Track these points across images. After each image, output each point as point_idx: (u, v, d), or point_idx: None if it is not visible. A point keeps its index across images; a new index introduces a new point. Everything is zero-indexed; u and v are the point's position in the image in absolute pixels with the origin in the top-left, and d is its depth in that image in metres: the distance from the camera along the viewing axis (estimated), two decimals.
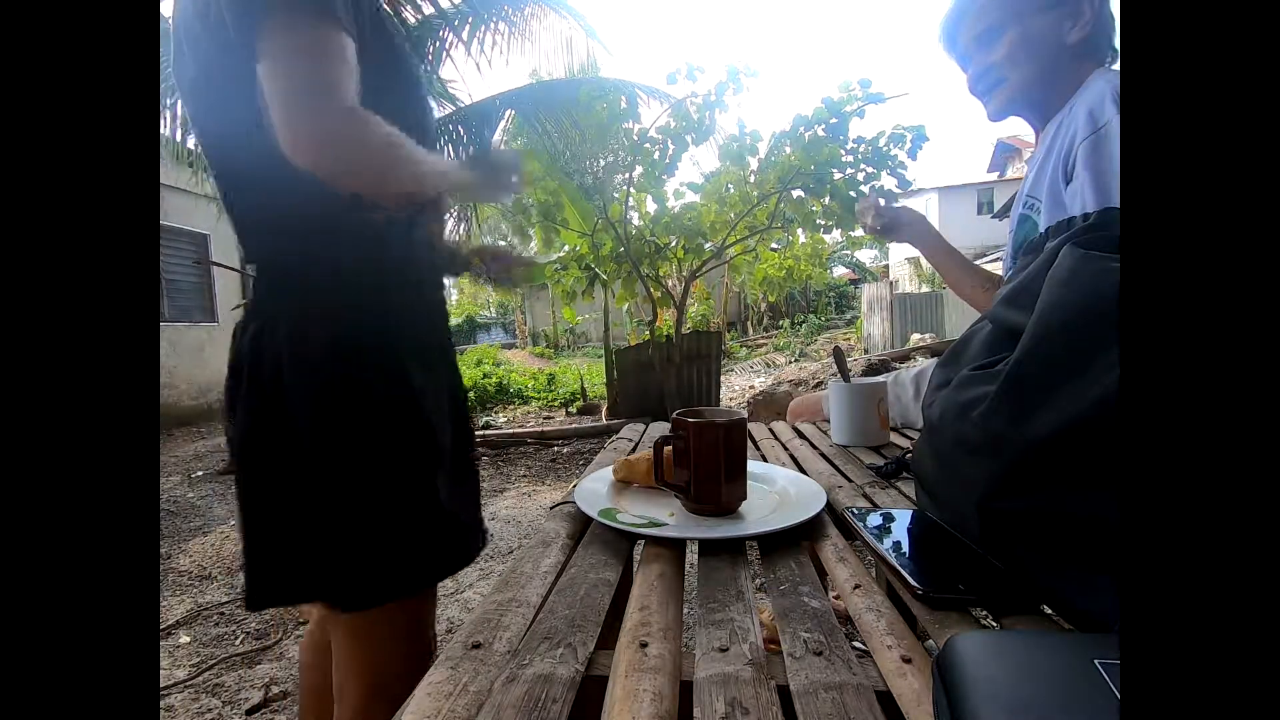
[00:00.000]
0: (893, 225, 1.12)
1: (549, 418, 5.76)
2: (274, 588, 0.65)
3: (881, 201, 1.14)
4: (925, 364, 1.25)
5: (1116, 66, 0.83)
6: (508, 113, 4.68)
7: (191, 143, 3.86)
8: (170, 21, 0.63)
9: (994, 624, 0.41)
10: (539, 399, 6.68)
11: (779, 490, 0.69)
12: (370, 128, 0.55)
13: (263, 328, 0.64)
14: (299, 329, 0.63)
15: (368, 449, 0.64)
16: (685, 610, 0.45)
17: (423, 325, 0.73)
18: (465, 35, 4.18)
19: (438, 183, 0.64)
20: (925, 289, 14.11)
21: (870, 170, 3.93)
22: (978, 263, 1.13)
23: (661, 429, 0.82)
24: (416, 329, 0.72)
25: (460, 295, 20.79)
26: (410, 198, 0.62)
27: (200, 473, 3.98)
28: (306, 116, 0.52)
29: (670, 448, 0.63)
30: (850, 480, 0.77)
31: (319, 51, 0.53)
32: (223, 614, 1.96)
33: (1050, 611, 0.42)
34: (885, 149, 3.85)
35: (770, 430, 1.18)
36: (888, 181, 3.93)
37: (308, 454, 0.62)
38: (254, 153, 0.58)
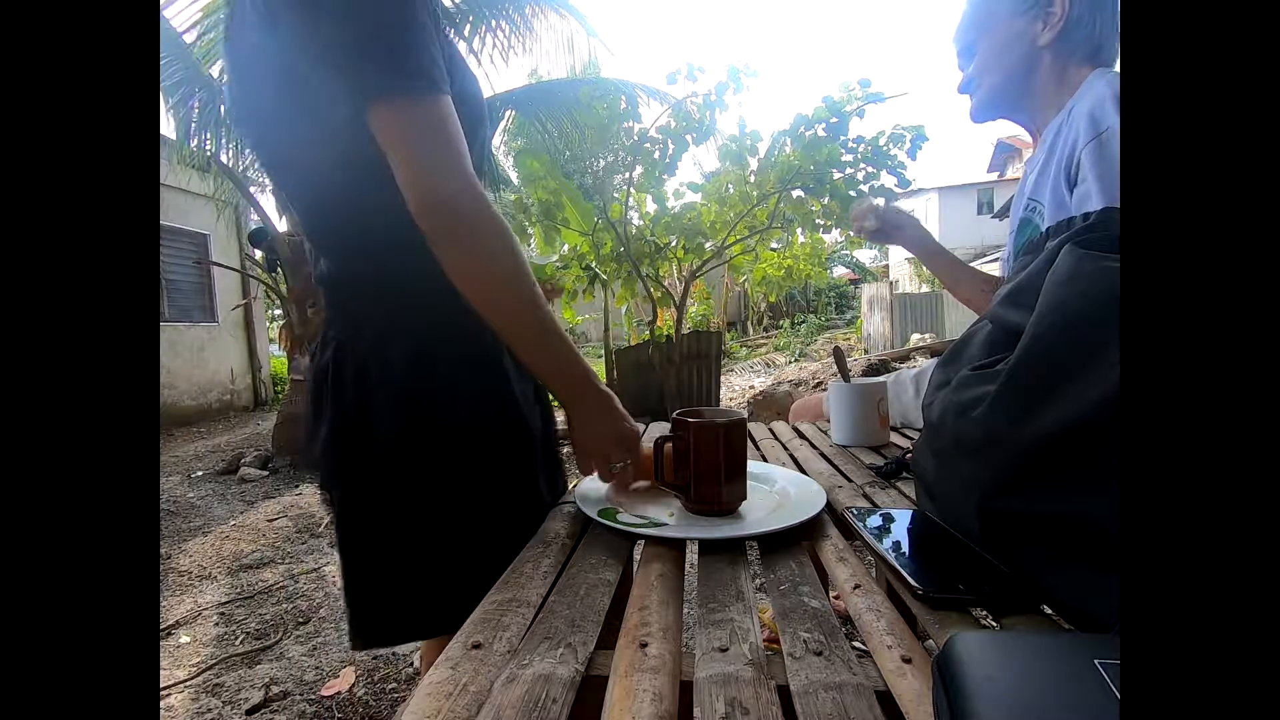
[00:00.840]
0: (889, 229, 1.12)
1: None
2: (392, 623, 0.65)
3: (880, 202, 1.14)
4: (925, 364, 1.25)
5: (1117, 68, 0.84)
6: (508, 113, 4.68)
7: (193, 143, 3.86)
8: (229, 38, 0.63)
9: (994, 624, 0.41)
10: None
11: (779, 490, 0.69)
12: (499, 220, 0.57)
13: (359, 343, 0.64)
14: (401, 344, 0.63)
15: (477, 461, 0.64)
16: (685, 610, 0.45)
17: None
18: (466, 34, 4.18)
19: (555, 344, 0.61)
20: (925, 289, 14.10)
21: (870, 170, 3.94)
22: (976, 263, 1.14)
23: (661, 429, 0.81)
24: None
25: None
26: (515, 323, 0.59)
27: (200, 473, 3.98)
28: (441, 193, 0.54)
29: (670, 447, 0.63)
30: (850, 480, 0.77)
31: (444, 129, 0.54)
32: (223, 614, 1.96)
33: (1050, 611, 0.42)
34: (885, 149, 3.86)
35: (770, 430, 1.18)
36: (887, 181, 3.94)
37: (413, 477, 0.62)
38: (341, 179, 0.61)
